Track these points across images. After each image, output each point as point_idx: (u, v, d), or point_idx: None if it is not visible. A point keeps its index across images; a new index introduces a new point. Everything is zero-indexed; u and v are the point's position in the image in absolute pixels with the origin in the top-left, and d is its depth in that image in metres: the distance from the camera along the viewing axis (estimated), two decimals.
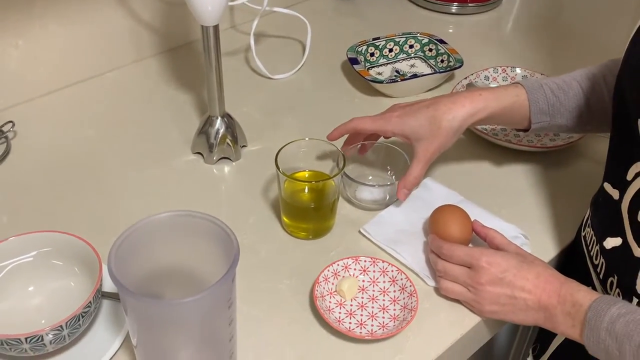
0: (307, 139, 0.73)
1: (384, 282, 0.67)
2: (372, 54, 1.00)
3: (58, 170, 0.81)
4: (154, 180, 0.80)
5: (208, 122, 0.82)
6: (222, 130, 0.82)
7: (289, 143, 0.72)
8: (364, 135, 0.78)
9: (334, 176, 0.70)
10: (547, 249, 0.73)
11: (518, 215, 0.75)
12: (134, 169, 0.82)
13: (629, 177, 0.58)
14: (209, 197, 0.78)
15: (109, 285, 0.63)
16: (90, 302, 0.57)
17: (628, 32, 0.59)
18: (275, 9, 1.00)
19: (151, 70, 0.99)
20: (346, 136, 0.78)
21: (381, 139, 0.79)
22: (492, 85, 0.94)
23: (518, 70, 0.95)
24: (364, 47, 0.99)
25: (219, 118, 0.82)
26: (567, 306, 0.58)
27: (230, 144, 0.83)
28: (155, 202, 0.76)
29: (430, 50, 1.01)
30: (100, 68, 0.97)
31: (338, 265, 0.67)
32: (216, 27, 0.75)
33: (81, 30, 0.91)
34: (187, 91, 0.95)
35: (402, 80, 0.94)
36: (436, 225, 0.68)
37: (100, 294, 0.60)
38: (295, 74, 1.00)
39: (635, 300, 0.58)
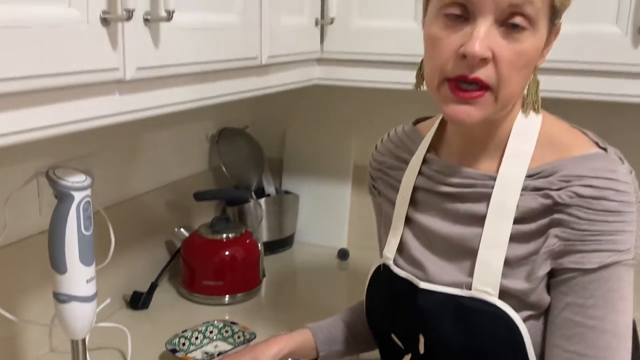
0: None
1: None
2: (184, 344, 1.25)
3: None
4: None
5: None
6: None
7: None
8: None
9: None
10: None
11: None
12: None
13: None
14: None
15: None
16: None
17: None
18: (100, 324, 1.21)
19: None
20: None
21: None
22: None
23: None
24: (177, 339, 1.24)
25: None
26: None
27: None
28: None
29: (227, 331, 1.30)
30: None
31: None
32: (84, 340, 0.96)
33: None
34: None
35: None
36: None
37: None
38: None
39: None
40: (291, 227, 1.87)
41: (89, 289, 0.92)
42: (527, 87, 0.82)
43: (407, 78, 1.47)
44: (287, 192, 1.89)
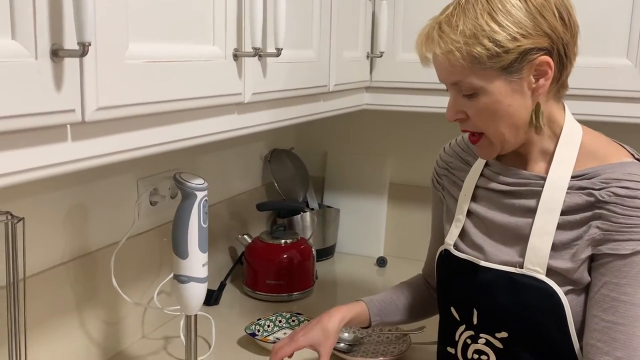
0: None
1: None
2: (258, 330, 1.45)
3: None
4: None
5: None
6: None
7: None
8: (284, 356, 1.17)
9: None
10: None
11: None
12: None
13: (457, 338, 1.12)
14: None
15: None
16: None
17: None
18: None
19: None
20: None
21: None
22: None
23: None
24: (253, 325, 1.45)
25: None
26: None
27: None
28: None
29: (294, 320, 1.51)
30: None
31: None
32: (195, 315, 1.16)
33: None
34: None
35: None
36: None
37: None
38: None
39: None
40: (333, 238, 2.08)
41: (204, 272, 1.12)
42: (532, 114, 0.99)
43: (441, 103, 1.72)
44: (328, 207, 2.09)
